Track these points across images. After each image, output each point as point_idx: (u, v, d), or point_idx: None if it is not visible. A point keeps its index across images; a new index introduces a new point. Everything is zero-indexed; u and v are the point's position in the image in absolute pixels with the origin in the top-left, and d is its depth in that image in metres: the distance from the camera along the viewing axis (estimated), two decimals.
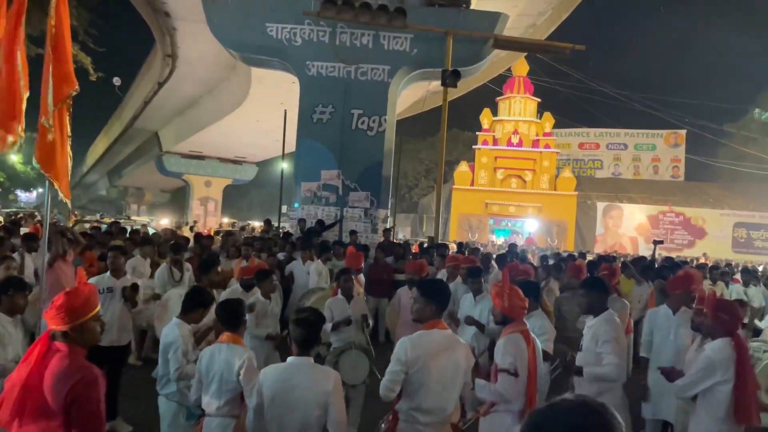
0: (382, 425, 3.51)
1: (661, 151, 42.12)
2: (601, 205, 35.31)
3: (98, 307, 2.62)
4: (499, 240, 30.70)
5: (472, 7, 14.24)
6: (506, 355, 3.51)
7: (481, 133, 33.22)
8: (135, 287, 5.90)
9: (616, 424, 1.20)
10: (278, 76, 16.00)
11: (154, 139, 37.89)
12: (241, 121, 28.81)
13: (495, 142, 32.93)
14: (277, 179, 18.11)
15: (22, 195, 65.42)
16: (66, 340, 2.50)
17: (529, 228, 32.46)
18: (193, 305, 4.27)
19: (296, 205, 13.50)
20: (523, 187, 32.69)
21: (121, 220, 20.39)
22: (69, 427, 2.35)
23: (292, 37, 13.30)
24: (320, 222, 12.50)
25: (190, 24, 19.01)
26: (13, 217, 16.16)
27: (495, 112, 33.70)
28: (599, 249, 31.07)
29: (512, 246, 14.96)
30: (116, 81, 30.27)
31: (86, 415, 2.35)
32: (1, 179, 39.89)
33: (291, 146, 15.14)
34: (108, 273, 5.97)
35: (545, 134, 33.17)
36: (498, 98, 33.88)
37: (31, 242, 7.24)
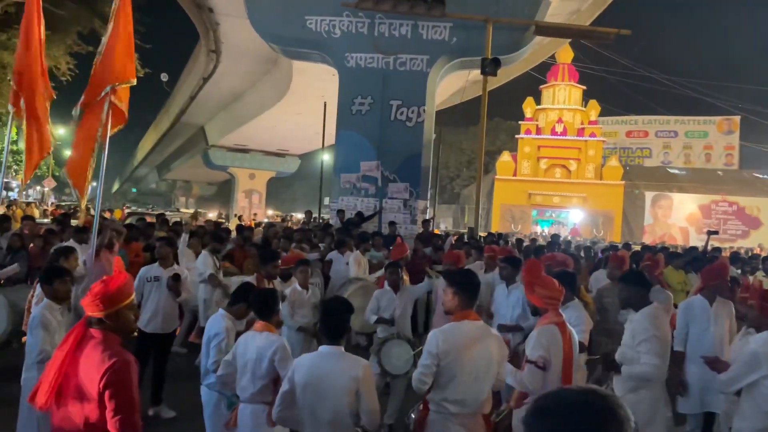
0: (412, 415, 3.52)
1: (713, 138, 40.56)
2: (649, 195, 34.28)
3: (133, 296, 2.70)
4: (543, 231, 30.21)
5: None
6: (537, 348, 3.46)
7: (524, 122, 32.70)
8: (176, 277, 6.06)
9: (621, 412, 1.19)
10: (319, 68, 16.11)
11: (201, 134, 38.74)
12: (283, 114, 29.15)
13: (538, 131, 32.37)
14: (320, 171, 18.29)
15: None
16: (101, 326, 2.59)
17: (574, 219, 31.83)
18: (236, 299, 4.36)
19: (326, 199, 13.60)
20: (567, 177, 32.05)
21: (172, 212, 21.04)
22: (103, 411, 2.43)
23: (331, 29, 13.36)
24: (359, 213, 12.55)
25: (233, 19, 19.29)
26: (64, 211, 16.84)
27: (538, 101, 33.10)
28: (648, 240, 30.18)
29: (555, 237, 14.72)
30: (164, 77, 31.12)
31: (120, 399, 2.43)
32: (57, 173, 41.52)
33: (332, 139, 15.25)
34: (156, 263, 6.17)
35: (591, 122, 32.39)
36: (542, 86, 33.25)
37: (81, 234, 7.52)
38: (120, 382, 2.44)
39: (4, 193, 37.38)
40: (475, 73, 15.69)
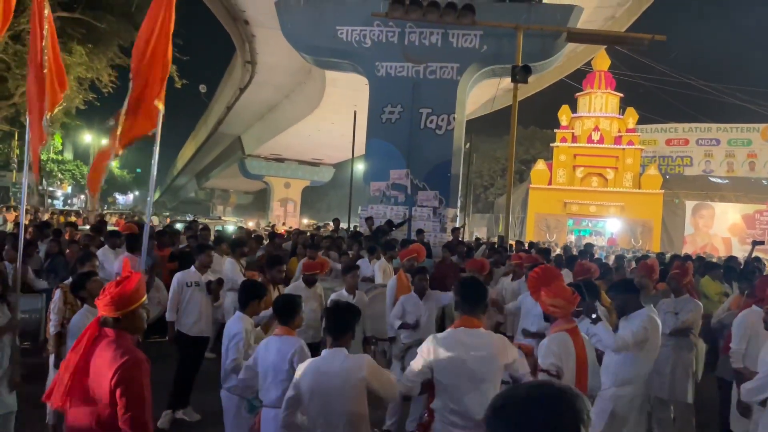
0: (416, 422, 3.50)
1: (757, 146, 39.18)
2: (690, 204, 33.28)
3: (145, 297, 2.78)
4: (576, 240, 29.67)
5: (544, 1, 13.88)
6: (548, 355, 3.41)
7: (559, 130, 32.26)
8: (220, 281, 6.20)
9: (578, 403, 1.20)
10: (351, 78, 16.28)
11: (238, 143, 39.51)
12: (317, 124, 29.53)
13: (574, 139, 31.87)
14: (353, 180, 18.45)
15: (120, 197, 70.15)
16: (116, 326, 2.67)
17: (612, 228, 31.16)
18: (248, 298, 4.42)
19: (358, 207, 13.65)
20: (604, 186, 31.43)
21: (214, 221, 21.56)
22: (115, 409, 2.49)
23: (362, 38, 13.48)
24: (389, 221, 12.58)
25: (268, 31, 19.67)
26: (100, 217, 17.38)
27: (574, 109, 32.62)
28: (688, 250, 29.30)
29: (587, 246, 14.44)
30: (202, 88, 31.96)
31: (131, 397, 2.48)
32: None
33: (363, 147, 15.37)
34: (193, 268, 6.25)
35: (628, 130, 31.74)
36: (577, 94, 32.78)
37: (114, 238, 7.74)
38: (131, 379, 2.49)
39: (49, 200, 38.74)
40: (507, 81, 15.61)
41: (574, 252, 13.55)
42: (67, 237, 9.75)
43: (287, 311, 3.99)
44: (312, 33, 13.82)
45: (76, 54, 21.49)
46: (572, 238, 30.60)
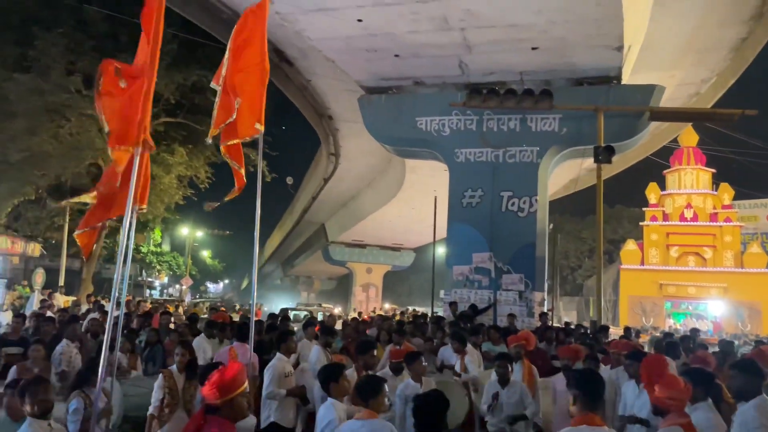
0: None
1: None
2: None
3: (245, 384, 2.87)
4: (678, 325, 27.70)
5: (623, 81, 13.87)
6: None
7: (648, 208, 31.18)
8: (302, 389, 5.94)
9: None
10: (431, 164, 16.68)
11: (321, 231, 40.75)
12: (398, 210, 30.07)
13: (665, 217, 30.62)
14: (435, 264, 18.46)
15: (211, 286, 73.35)
16: (218, 414, 2.76)
17: (714, 311, 28.98)
18: (328, 380, 4.38)
19: (441, 292, 13.53)
20: (702, 265, 29.60)
21: (313, 308, 22.18)
22: None
23: (441, 128, 13.91)
24: (473, 306, 12.36)
25: (351, 124, 20.71)
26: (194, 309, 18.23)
27: (663, 186, 31.57)
28: None
29: (693, 331, 13.44)
30: (289, 180, 33.71)
31: None
32: (194, 272, 45.08)
33: (444, 232, 15.46)
34: (282, 355, 6.01)
35: (724, 207, 30.17)
36: (665, 171, 31.80)
37: (210, 329, 8.05)
38: None
39: (147, 291, 41.06)
40: (590, 161, 15.44)
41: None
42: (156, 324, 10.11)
43: (370, 389, 3.93)
44: (392, 124, 14.44)
45: (178, 154, 23.45)
46: (671, 322, 28.66)
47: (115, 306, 4.55)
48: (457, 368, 7.54)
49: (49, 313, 11.08)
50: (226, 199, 5.83)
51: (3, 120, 18.89)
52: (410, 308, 36.41)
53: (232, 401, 2.77)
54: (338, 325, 11.01)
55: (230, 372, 2.79)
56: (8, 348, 6.69)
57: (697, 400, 3.89)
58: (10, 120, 18.82)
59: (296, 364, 6.61)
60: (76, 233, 4.93)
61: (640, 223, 31.91)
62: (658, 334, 13.89)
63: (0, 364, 6.41)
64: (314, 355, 7.28)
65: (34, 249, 28.55)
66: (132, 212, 4.57)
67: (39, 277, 18.63)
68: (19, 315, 10.07)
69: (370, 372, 6.11)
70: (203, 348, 7.33)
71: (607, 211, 29.41)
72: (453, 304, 12.72)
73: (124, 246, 4.63)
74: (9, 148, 18.81)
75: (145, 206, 5.03)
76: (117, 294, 4.51)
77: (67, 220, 25.53)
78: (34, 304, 15.17)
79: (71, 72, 20.04)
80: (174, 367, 5.45)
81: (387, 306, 43.52)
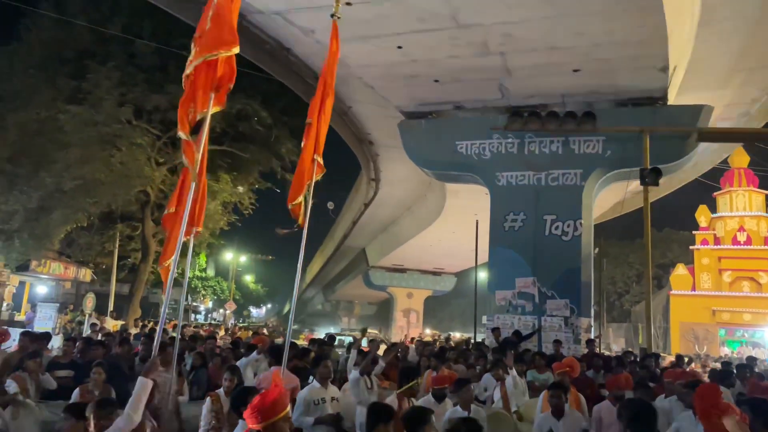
0: None
1: None
2: None
3: (287, 409, 2.85)
4: (734, 353, 26.45)
5: (670, 102, 13.57)
6: None
7: (698, 232, 30.17)
8: (339, 417, 5.81)
9: None
10: (472, 188, 16.56)
11: (362, 255, 40.85)
12: (438, 234, 29.91)
13: (717, 241, 29.56)
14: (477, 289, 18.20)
15: (254, 311, 74.17)
16: None
17: None
18: (376, 421, 4.24)
19: (483, 318, 13.29)
20: (758, 291, 28.33)
21: (356, 333, 22.25)
22: None
23: (481, 151, 13.84)
24: (517, 332, 12.09)
25: (391, 149, 20.82)
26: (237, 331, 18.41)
27: (713, 209, 30.54)
28: None
29: (750, 359, 12.81)
30: (330, 205, 34.00)
31: None
32: (238, 296, 45.70)
33: (486, 256, 15.26)
34: (316, 383, 5.97)
35: None
36: (716, 193, 30.78)
37: (249, 352, 8.12)
38: None
39: (193, 316, 41.77)
40: (636, 184, 15.08)
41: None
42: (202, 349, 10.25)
43: (417, 423, 3.86)
44: (432, 149, 14.44)
45: (223, 181, 23.99)
46: (726, 350, 27.41)
47: (164, 329, 4.65)
48: (496, 396, 7.38)
49: (99, 337, 11.39)
50: (296, 228, 6.17)
51: (58, 150, 19.76)
52: (451, 333, 35.97)
53: (274, 426, 2.76)
54: (380, 350, 10.93)
55: (271, 396, 2.78)
56: (59, 371, 6.87)
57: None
58: (64, 150, 19.67)
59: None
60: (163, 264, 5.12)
61: (691, 247, 30.88)
62: (716, 364, 13.27)
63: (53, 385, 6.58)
64: (352, 381, 7.22)
65: (86, 274, 29.53)
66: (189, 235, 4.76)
67: (90, 301, 19.19)
68: (69, 338, 10.35)
69: (412, 399, 6.03)
70: (245, 372, 7.37)
71: (655, 235, 28.58)
72: (496, 330, 12.47)
73: (175, 272, 4.80)
74: (63, 176, 19.62)
75: (200, 228, 5.23)
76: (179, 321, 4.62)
77: (117, 246, 26.35)
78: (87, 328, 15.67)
79: (122, 103, 20.88)
80: (221, 391, 5.50)
81: (428, 331, 43.06)
